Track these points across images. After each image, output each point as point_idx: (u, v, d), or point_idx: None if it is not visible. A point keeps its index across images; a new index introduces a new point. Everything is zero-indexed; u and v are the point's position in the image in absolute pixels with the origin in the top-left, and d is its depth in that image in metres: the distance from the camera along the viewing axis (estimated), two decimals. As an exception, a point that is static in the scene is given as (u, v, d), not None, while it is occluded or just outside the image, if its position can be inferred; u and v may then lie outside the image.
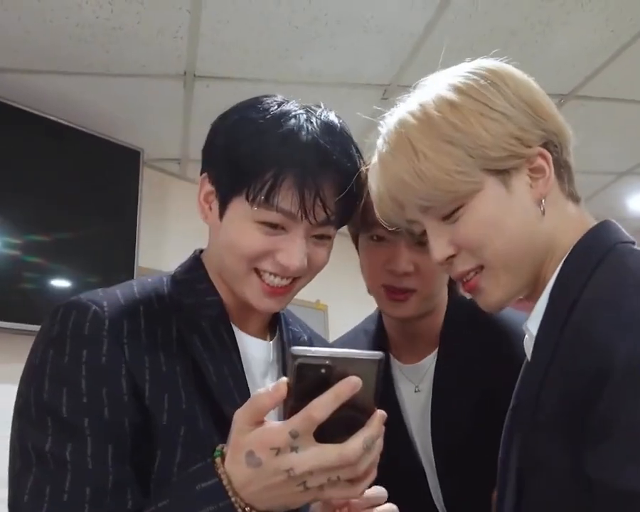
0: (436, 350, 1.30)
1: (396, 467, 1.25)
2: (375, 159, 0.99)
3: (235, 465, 0.75)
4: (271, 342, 1.10)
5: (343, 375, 0.70)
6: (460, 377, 1.24)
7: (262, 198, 0.94)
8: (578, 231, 0.90)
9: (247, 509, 0.76)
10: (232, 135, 0.99)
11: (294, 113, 0.97)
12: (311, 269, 1.02)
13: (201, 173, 1.05)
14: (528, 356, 0.92)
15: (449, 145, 0.88)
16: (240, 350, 1.00)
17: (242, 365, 0.99)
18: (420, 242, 1.17)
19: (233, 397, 0.93)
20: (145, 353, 0.91)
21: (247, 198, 0.95)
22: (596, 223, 0.91)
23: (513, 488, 0.86)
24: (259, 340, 1.08)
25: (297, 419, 0.71)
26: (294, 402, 0.71)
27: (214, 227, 1.03)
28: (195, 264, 1.07)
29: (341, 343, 1.51)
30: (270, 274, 0.99)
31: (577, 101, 2.74)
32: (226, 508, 0.75)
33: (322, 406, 0.70)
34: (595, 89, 2.67)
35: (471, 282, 0.93)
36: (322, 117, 0.99)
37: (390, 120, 0.97)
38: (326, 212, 0.97)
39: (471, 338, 1.27)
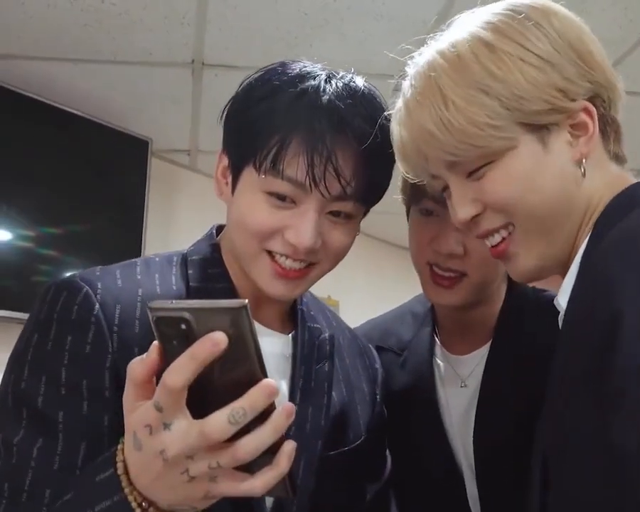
0: (489, 343, 1.19)
1: (430, 467, 1.20)
2: (399, 103, 0.89)
3: (128, 451, 0.64)
4: (289, 336, 1.02)
5: (207, 332, 0.57)
6: (513, 375, 1.13)
7: (269, 164, 0.86)
8: (616, 191, 0.81)
9: (144, 505, 0.64)
10: (245, 98, 0.92)
11: (313, 74, 0.90)
12: (327, 254, 0.93)
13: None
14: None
15: (483, 94, 0.79)
16: None
17: None
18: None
19: None
20: (136, 344, 0.84)
21: (254, 166, 0.88)
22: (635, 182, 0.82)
23: (538, 481, 0.78)
24: (276, 333, 1.00)
25: (158, 389, 0.59)
26: (166, 369, 0.60)
27: (228, 204, 0.96)
28: (211, 245, 0.99)
29: (383, 321, 1.40)
30: (281, 255, 0.90)
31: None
32: (121, 503, 0.64)
33: (175, 370, 0.57)
34: (614, 81, 2.57)
35: (501, 247, 0.85)
36: (345, 80, 0.91)
37: (419, 60, 0.88)
38: (340, 182, 0.87)
39: (530, 332, 1.15)
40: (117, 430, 0.79)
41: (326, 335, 1.06)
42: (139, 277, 0.91)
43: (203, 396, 0.60)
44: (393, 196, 1.13)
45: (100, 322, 0.83)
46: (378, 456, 1.17)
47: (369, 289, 4.10)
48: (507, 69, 0.79)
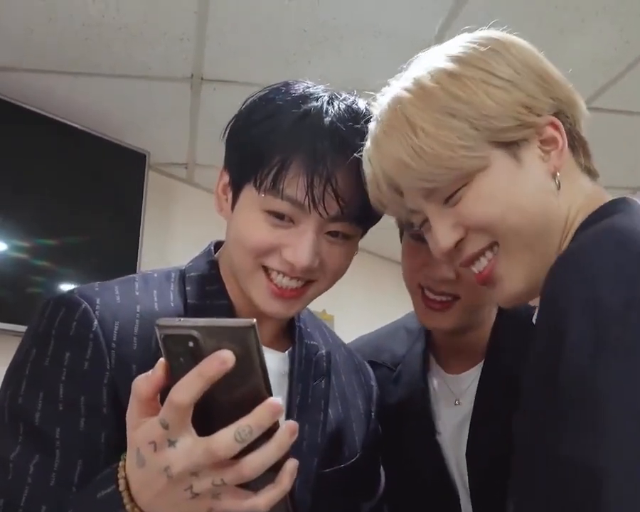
0: (482, 362, 1.19)
1: (424, 482, 1.20)
2: (367, 144, 0.89)
3: (130, 468, 0.64)
4: (286, 353, 1.02)
5: (214, 350, 0.58)
6: (506, 394, 1.09)
7: (269, 183, 0.86)
8: (593, 207, 0.81)
9: None
10: (247, 117, 0.93)
11: (316, 95, 0.90)
12: (325, 273, 0.94)
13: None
14: None
15: (450, 117, 0.80)
16: None
17: None
18: None
19: None
20: (134, 361, 0.85)
21: (255, 184, 0.88)
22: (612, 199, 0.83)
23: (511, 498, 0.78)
24: (273, 350, 1.00)
25: (164, 406, 0.60)
26: (173, 386, 0.61)
27: (228, 221, 0.96)
28: (209, 261, 1.00)
29: (377, 336, 1.40)
30: (278, 272, 0.91)
31: (590, 113, 2.67)
32: None
33: (182, 388, 0.58)
34: (609, 101, 2.61)
35: (486, 270, 0.84)
36: (347, 102, 0.92)
37: (383, 99, 0.88)
38: (339, 203, 0.88)
39: (520, 353, 1.16)
40: (114, 447, 0.80)
41: (323, 352, 1.06)
42: (137, 294, 0.91)
43: (208, 413, 0.60)
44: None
45: (99, 338, 0.84)
46: (373, 473, 1.18)
47: (364, 303, 4.09)
48: (471, 91, 0.80)
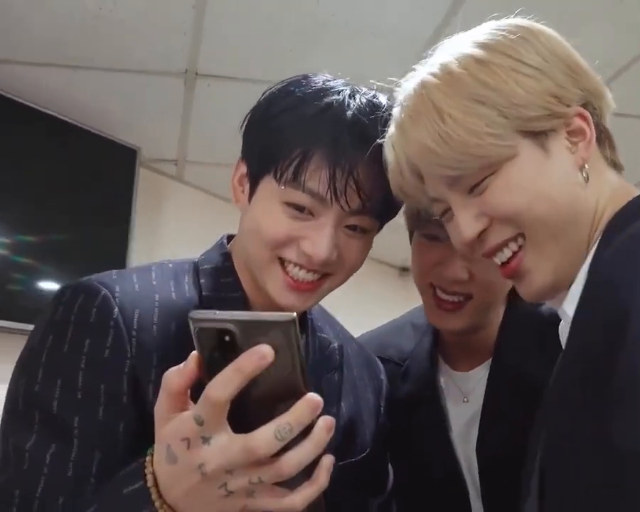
0: (490, 360, 1.19)
1: (434, 478, 1.19)
2: (391, 129, 0.88)
3: (159, 464, 0.63)
4: None
5: (252, 344, 0.57)
6: (514, 391, 1.13)
7: (290, 175, 0.86)
8: (621, 201, 0.80)
9: None
10: (268, 109, 0.92)
11: (337, 89, 0.90)
12: (342, 266, 0.93)
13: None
14: (563, 343, 0.84)
15: (479, 104, 0.79)
16: None
17: None
18: None
19: None
20: (154, 349, 0.83)
21: (275, 176, 0.88)
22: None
23: (536, 487, 0.77)
24: None
25: (199, 402, 0.58)
26: (208, 380, 0.59)
27: (243, 212, 0.96)
28: (222, 254, 0.99)
29: (382, 332, 1.39)
30: (295, 265, 0.90)
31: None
32: None
33: (220, 384, 0.56)
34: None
35: (512, 263, 0.83)
36: (368, 96, 0.92)
37: (408, 84, 0.87)
38: (360, 197, 0.88)
39: (530, 346, 1.16)
40: (132, 437, 0.79)
41: (335, 345, 1.06)
42: (154, 283, 0.90)
43: (242, 409, 0.59)
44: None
45: (119, 326, 0.82)
46: (382, 467, 1.17)
47: (353, 305, 4.08)
48: (500, 79, 0.79)
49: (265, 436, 0.57)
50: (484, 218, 0.82)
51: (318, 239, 0.88)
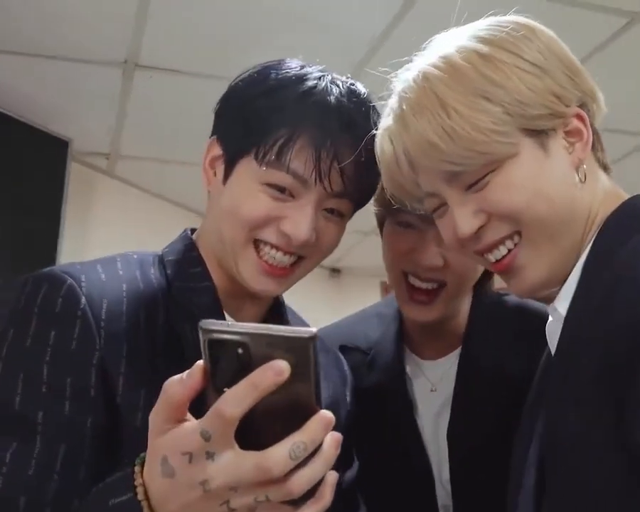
0: (458, 350, 1.20)
1: (402, 468, 1.19)
2: (388, 120, 0.87)
3: (151, 476, 0.59)
4: None
5: (267, 359, 0.54)
6: (484, 382, 1.14)
7: (273, 156, 0.86)
8: (612, 203, 0.82)
9: None
10: (248, 90, 0.91)
11: (315, 74, 0.90)
12: (318, 250, 0.93)
13: (210, 136, 0.96)
14: (551, 343, 0.85)
15: (485, 100, 0.78)
16: None
17: None
18: None
19: None
20: (124, 340, 0.80)
21: (256, 157, 0.87)
22: (630, 196, 0.84)
23: (532, 482, 0.78)
24: None
25: (208, 416, 0.55)
26: (213, 393, 0.56)
27: (216, 194, 0.94)
28: (187, 244, 0.96)
29: (347, 322, 1.38)
30: (272, 247, 0.89)
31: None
32: None
33: (234, 399, 0.54)
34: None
35: (507, 259, 0.83)
36: (347, 83, 0.92)
37: (406, 75, 0.85)
38: (343, 180, 0.88)
39: (497, 340, 1.18)
40: (101, 431, 0.76)
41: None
42: (121, 273, 0.87)
43: (248, 424, 0.55)
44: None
45: (87, 316, 0.79)
46: (349, 456, 1.16)
47: (297, 310, 4.07)
48: (505, 76, 0.79)
49: (280, 455, 0.54)
50: (482, 215, 0.82)
51: (299, 219, 0.87)
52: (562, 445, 0.73)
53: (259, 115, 0.88)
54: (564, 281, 0.83)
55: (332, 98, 0.88)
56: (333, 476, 0.60)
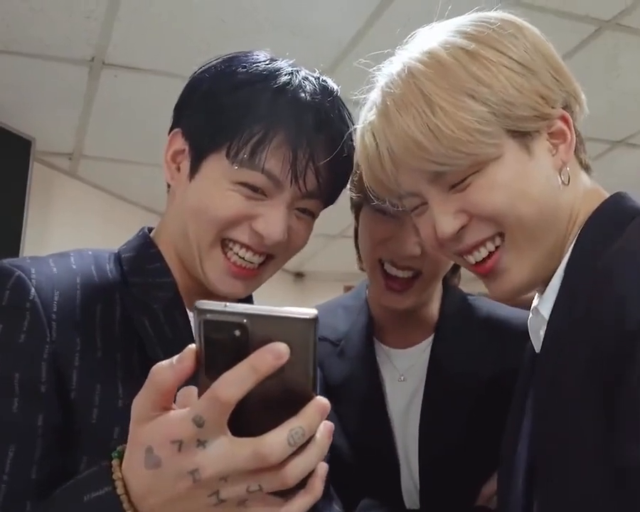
0: (429, 340, 1.20)
1: (369, 454, 1.18)
2: (370, 115, 0.85)
3: (132, 468, 0.56)
4: None
5: (265, 341, 0.51)
6: (456, 374, 1.15)
7: (246, 155, 0.83)
8: (594, 202, 0.81)
9: None
10: (216, 83, 0.87)
11: (289, 69, 0.88)
12: (287, 249, 0.91)
13: (171, 130, 0.92)
14: (535, 342, 0.85)
15: (471, 99, 0.76)
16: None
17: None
18: None
19: None
20: (77, 333, 0.77)
21: (227, 155, 0.84)
22: (609, 195, 0.83)
23: (521, 483, 0.78)
24: None
25: (201, 401, 0.52)
26: (205, 378, 0.53)
27: (179, 190, 0.90)
28: (145, 242, 0.92)
29: None
30: (241, 246, 0.86)
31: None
32: None
33: (232, 382, 0.51)
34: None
35: (489, 262, 0.82)
36: (320, 79, 0.90)
37: (391, 69, 0.83)
38: (317, 179, 0.86)
39: (468, 334, 1.19)
40: (54, 430, 0.72)
41: None
42: (74, 267, 0.84)
43: (240, 410, 0.53)
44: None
45: (37, 308, 0.75)
46: None
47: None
48: (491, 74, 0.77)
49: (278, 441, 0.52)
50: (463, 216, 0.81)
51: (273, 219, 0.85)
52: (551, 452, 0.72)
53: (230, 111, 0.85)
54: (546, 283, 0.82)
55: (307, 95, 0.86)
56: (323, 468, 0.57)
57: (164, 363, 0.54)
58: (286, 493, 0.56)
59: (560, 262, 0.81)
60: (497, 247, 0.82)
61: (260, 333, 0.52)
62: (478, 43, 0.79)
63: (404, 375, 1.20)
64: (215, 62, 0.91)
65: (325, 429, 0.56)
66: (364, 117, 0.87)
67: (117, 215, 3.33)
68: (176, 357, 0.54)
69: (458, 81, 0.77)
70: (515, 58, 0.79)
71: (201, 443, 0.52)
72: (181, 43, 2.25)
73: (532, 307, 0.86)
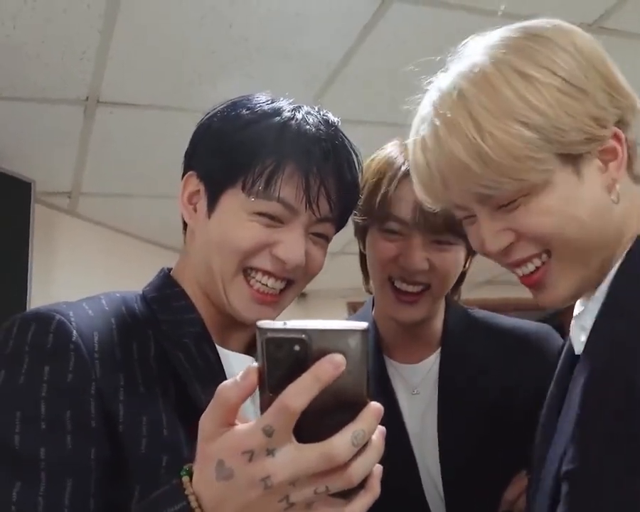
0: (437, 352, 1.24)
1: (390, 468, 1.19)
2: (422, 129, 0.87)
3: (204, 482, 0.60)
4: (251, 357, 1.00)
5: (322, 353, 0.56)
6: (468, 384, 1.19)
7: (261, 187, 0.88)
8: None
9: None
10: (225, 125, 0.93)
11: (291, 106, 0.93)
12: (306, 273, 0.96)
13: (184, 174, 0.98)
14: (576, 346, 0.85)
15: (522, 125, 0.76)
16: (225, 370, 0.91)
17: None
18: (437, 240, 1.13)
19: None
20: (120, 369, 0.81)
21: (243, 188, 0.89)
22: None
23: (547, 492, 0.79)
24: (245, 357, 0.98)
25: (270, 412, 0.56)
26: (268, 393, 0.57)
27: (199, 228, 0.95)
28: (167, 281, 0.98)
29: None
30: (264, 273, 0.91)
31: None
32: None
33: (299, 392, 0.55)
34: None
35: (536, 276, 0.84)
36: (321, 113, 0.96)
37: (442, 84, 0.84)
38: (330, 204, 0.92)
39: (474, 345, 1.23)
40: (105, 463, 0.76)
41: None
42: (107, 309, 0.88)
43: (300, 419, 0.57)
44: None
45: (80, 348, 0.79)
46: None
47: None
48: (543, 99, 0.77)
49: (343, 442, 0.56)
50: (511, 234, 0.83)
51: (292, 243, 0.90)
52: (586, 470, 0.72)
53: (241, 147, 0.90)
54: (591, 291, 0.84)
55: (311, 127, 0.91)
56: (379, 469, 0.62)
57: (228, 382, 0.59)
58: (348, 494, 0.60)
59: (606, 278, 0.81)
60: (544, 262, 0.83)
61: (317, 346, 0.56)
62: (529, 62, 0.79)
63: (417, 388, 1.23)
64: (220, 107, 0.97)
65: (380, 432, 0.61)
66: (416, 129, 0.89)
67: (118, 248, 3.35)
68: (239, 375, 0.58)
69: (508, 105, 0.77)
70: (568, 79, 0.78)
71: (270, 452, 0.56)
72: (174, 76, 2.29)
73: (575, 316, 0.88)
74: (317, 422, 0.57)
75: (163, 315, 0.91)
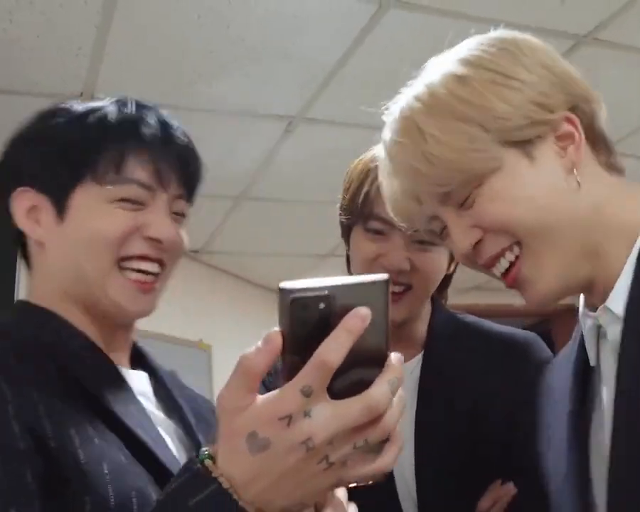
0: (419, 356, 1.24)
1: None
2: (382, 155, 0.92)
3: (233, 460, 0.57)
4: (144, 373, 0.98)
5: (347, 309, 0.55)
6: (448, 388, 1.18)
7: (114, 173, 0.88)
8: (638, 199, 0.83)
9: None
10: (50, 129, 0.91)
11: (111, 100, 0.93)
12: (175, 254, 0.95)
13: (5, 196, 0.92)
14: (591, 354, 0.86)
15: (461, 122, 0.81)
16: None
17: (132, 391, 0.89)
18: (419, 240, 1.13)
19: (141, 421, 0.83)
20: (30, 388, 0.76)
21: (95, 180, 0.88)
22: None
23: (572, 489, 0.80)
24: (134, 371, 0.96)
25: (307, 371, 0.55)
26: (293, 356, 0.56)
27: (51, 238, 0.90)
28: (32, 311, 0.91)
29: None
30: (139, 259, 0.89)
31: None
32: None
33: (334, 348, 0.54)
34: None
35: (512, 272, 0.84)
36: (142, 103, 0.96)
37: (394, 108, 0.89)
38: (180, 180, 0.93)
39: (459, 350, 1.23)
40: (40, 480, 0.70)
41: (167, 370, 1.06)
42: None
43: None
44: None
45: None
46: None
47: (241, 332, 4.05)
48: (482, 95, 0.81)
49: (382, 392, 0.57)
50: (477, 230, 0.84)
51: (161, 221, 0.91)
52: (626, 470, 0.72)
53: (78, 144, 0.89)
54: (586, 287, 0.84)
55: (145, 112, 0.92)
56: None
57: (251, 350, 0.57)
58: (376, 449, 0.60)
59: (620, 265, 0.80)
60: (517, 257, 0.84)
61: (342, 303, 0.56)
62: (471, 67, 0.83)
63: None
64: (26, 124, 0.96)
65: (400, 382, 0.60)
66: (380, 155, 0.93)
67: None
68: (260, 341, 0.56)
69: (448, 108, 0.82)
70: (506, 73, 0.82)
71: (307, 413, 0.55)
72: (170, 74, 2.29)
73: (593, 314, 0.85)
74: (343, 378, 0.56)
75: (46, 337, 0.87)
